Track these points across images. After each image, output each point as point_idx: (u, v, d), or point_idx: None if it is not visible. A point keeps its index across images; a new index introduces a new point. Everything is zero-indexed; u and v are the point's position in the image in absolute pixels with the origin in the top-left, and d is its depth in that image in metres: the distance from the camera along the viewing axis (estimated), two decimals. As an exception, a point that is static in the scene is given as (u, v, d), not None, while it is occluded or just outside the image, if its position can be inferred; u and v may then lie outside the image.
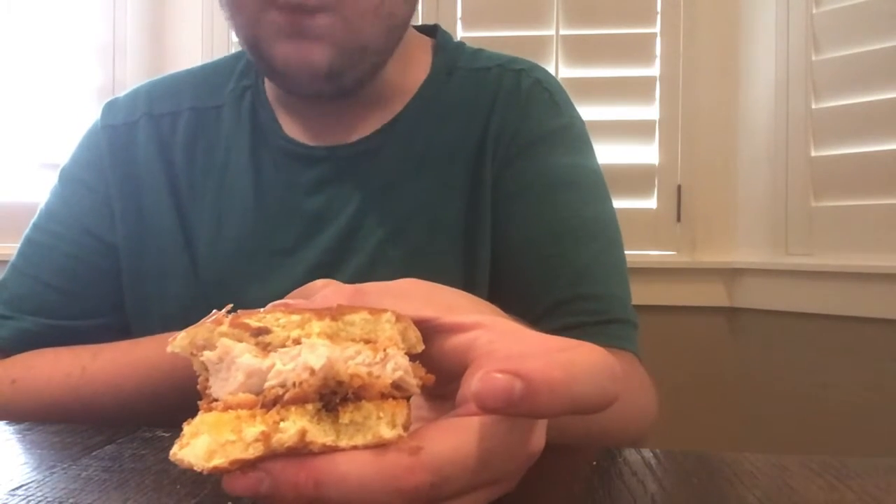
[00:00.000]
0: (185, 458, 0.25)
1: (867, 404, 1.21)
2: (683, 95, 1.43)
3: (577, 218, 0.65)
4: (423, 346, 0.29)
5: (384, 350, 0.27)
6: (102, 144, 0.70)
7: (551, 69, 1.38)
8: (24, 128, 1.49)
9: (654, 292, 1.39)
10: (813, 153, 1.30)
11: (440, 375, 0.29)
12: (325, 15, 0.56)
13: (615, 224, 0.68)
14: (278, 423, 0.25)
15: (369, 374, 0.26)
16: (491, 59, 0.72)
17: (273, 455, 0.25)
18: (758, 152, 1.39)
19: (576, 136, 0.70)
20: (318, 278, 0.39)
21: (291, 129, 0.68)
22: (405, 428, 0.26)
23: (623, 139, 1.44)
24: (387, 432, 0.26)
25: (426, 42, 0.73)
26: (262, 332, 0.27)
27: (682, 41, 1.43)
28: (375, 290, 0.33)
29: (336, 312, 0.28)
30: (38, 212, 0.70)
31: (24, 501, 0.33)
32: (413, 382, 0.27)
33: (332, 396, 0.26)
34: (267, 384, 0.26)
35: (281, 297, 0.35)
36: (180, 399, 0.35)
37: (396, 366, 0.27)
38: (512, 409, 0.24)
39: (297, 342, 0.27)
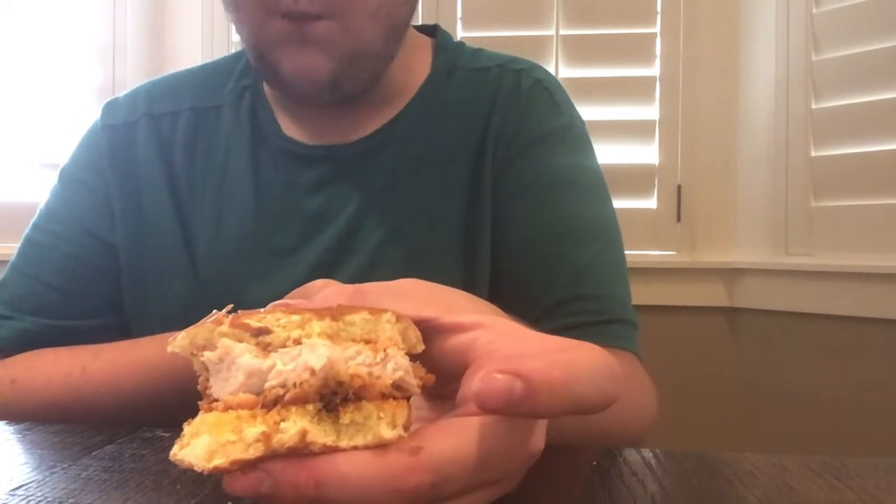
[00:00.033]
0: (185, 458, 0.25)
1: (867, 404, 1.21)
2: (683, 95, 1.43)
3: (577, 218, 0.65)
4: (423, 347, 0.29)
5: (384, 350, 0.27)
6: (102, 144, 0.70)
7: (551, 69, 1.38)
8: (24, 128, 1.49)
9: (654, 292, 1.39)
10: (813, 153, 1.30)
11: (440, 375, 0.29)
12: (327, 22, 0.57)
13: (615, 224, 0.68)
14: (279, 423, 0.25)
15: (370, 374, 0.26)
16: (491, 59, 0.72)
17: (273, 455, 0.25)
18: (758, 152, 1.39)
19: (576, 136, 0.70)
20: (318, 278, 0.39)
21: (291, 129, 0.68)
22: (405, 428, 0.26)
23: (623, 139, 1.44)
24: (387, 432, 0.26)
25: (426, 42, 0.73)
26: (262, 332, 0.27)
27: (682, 41, 1.43)
28: (375, 290, 0.33)
29: (336, 312, 0.28)
30: (38, 212, 0.70)
31: (24, 501, 0.33)
32: (413, 382, 0.27)
33: (333, 397, 0.26)
34: (267, 384, 0.26)
35: (281, 297, 0.35)
36: (180, 399, 0.35)
37: (397, 366, 0.27)
38: (512, 409, 0.24)
39: (297, 342, 0.27)
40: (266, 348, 0.27)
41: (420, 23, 0.77)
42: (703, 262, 1.42)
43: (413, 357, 0.28)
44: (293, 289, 0.39)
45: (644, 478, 0.37)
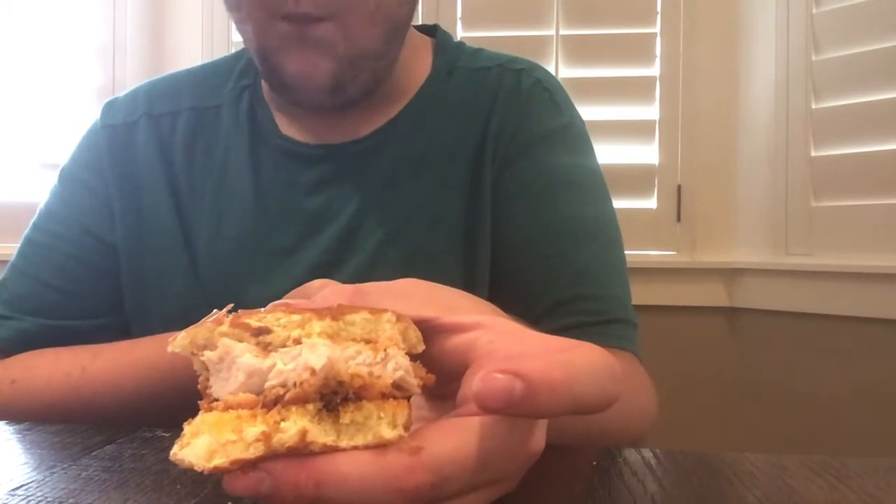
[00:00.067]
0: (185, 458, 0.25)
1: (867, 404, 1.21)
2: (683, 95, 1.43)
3: (577, 218, 0.65)
4: (423, 346, 0.29)
5: (385, 350, 0.27)
6: (102, 144, 0.70)
7: (551, 69, 1.38)
8: (24, 128, 1.49)
9: (654, 292, 1.39)
10: (813, 153, 1.30)
11: (440, 375, 0.29)
12: (328, 24, 0.57)
13: (615, 224, 0.68)
14: (279, 423, 0.25)
15: (370, 374, 0.26)
16: (491, 59, 0.72)
17: (274, 455, 0.25)
18: (758, 152, 1.39)
19: (576, 136, 0.70)
20: (318, 278, 0.39)
21: (290, 128, 0.68)
22: (406, 428, 0.26)
23: (623, 139, 1.44)
24: (387, 432, 0.26)
25: (426, 42, 0.73)
26: (262, 331, 0.27)
27: (682, 41, 1.43)
28: (376, 290, 0.33)
29: (336, 312, 0.28)
30: (37, 212, 0.70)
31: (24, 501, 0.33)
32: (414, 382, 0.27)
33: (333, 396, 0.26)
34: (268, 384, 0.26)
35: (281, 296, 0.35)
36: (180, 399, 0.35)
37: (397, 366, 0.27)
38: (512, 409, 0.24)
39: (297, 342, 0.27)
40: (266, 348, 0.27)
41: (420, 23, 0.77)
42: (703, 262, 1.42)
43: (413, 357, 0.28)
44: (293, 289, 0.39)
45: (644, 478, 0.37)
